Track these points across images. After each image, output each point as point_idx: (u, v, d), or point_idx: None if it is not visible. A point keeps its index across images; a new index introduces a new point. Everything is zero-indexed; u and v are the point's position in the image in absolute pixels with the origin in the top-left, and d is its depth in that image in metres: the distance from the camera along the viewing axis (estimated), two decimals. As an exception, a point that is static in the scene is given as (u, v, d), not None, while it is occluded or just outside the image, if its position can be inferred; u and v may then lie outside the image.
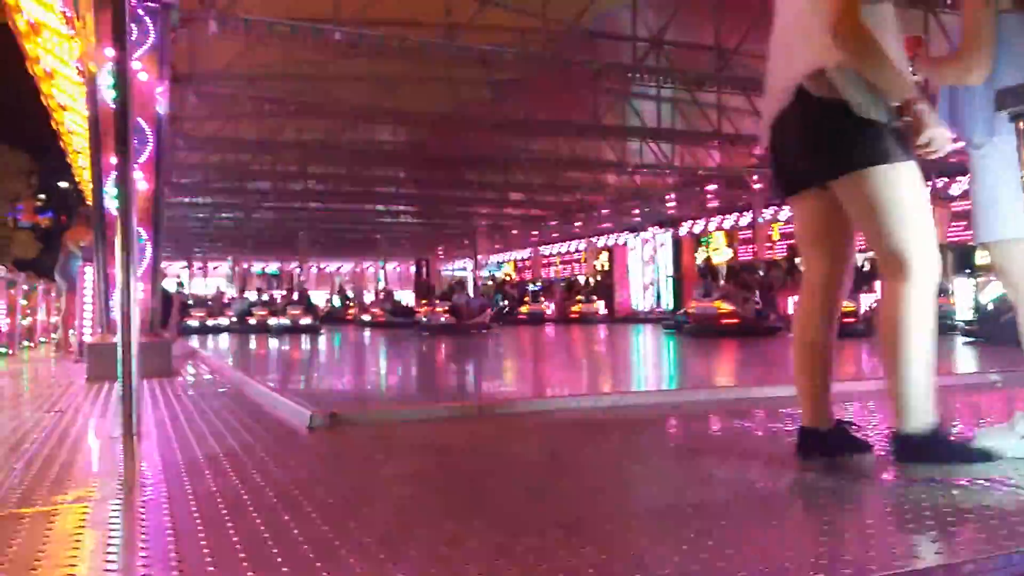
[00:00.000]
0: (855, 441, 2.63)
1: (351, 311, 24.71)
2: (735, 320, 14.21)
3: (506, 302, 26.04)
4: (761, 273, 19.12)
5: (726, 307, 14.57)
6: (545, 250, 35.08)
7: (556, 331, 19.05)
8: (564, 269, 34.55)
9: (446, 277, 38.10)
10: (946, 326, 10.46)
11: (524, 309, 24.65)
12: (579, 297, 25.82)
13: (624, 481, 2.76)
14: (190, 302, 21.57)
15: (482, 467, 3.03)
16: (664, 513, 2.27)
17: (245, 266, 34.96)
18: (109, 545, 2.04)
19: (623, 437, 3.63)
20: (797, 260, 18.07)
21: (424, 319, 17.88)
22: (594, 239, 30.10)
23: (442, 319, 17.30)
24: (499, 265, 39.66)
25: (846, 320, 13.34)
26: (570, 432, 3.78)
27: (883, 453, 2.66)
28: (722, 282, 16.50)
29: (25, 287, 11.62)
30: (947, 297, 12.06)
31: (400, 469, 2.96)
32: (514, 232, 32.94)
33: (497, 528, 2.11)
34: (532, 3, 10.02)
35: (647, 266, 27.10)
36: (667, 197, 23.78)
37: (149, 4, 6.95)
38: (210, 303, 22.31)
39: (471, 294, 20.30)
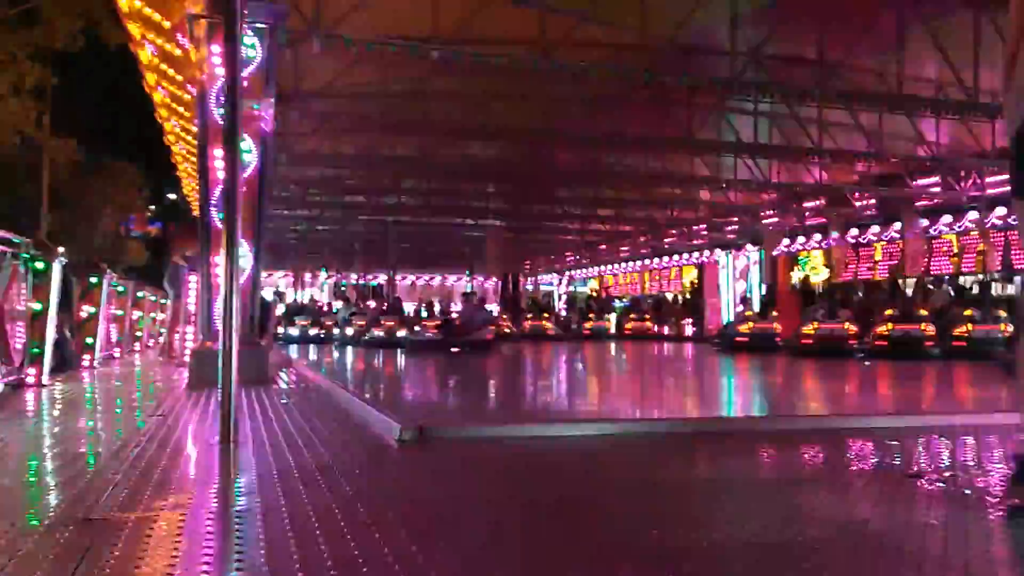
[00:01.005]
0: None
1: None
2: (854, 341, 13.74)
3: (570, 316, 25.52)
4: (860, 295, 18.29)
5: (853, 328, 13.95)
6: (636, 265, 34.60)
7: (600, 348, 18.11)
8: (653, 286, 33.99)
9: (532, 292, 38.14)
10: None
11: (588, 325, 24.35)
12: (632, 315, 25.35)
13: (730, 511, 2.62)
14: (281, 310, 20.80)
15: (573, 491, 2.94)
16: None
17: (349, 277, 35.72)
18: (205, 555, 2.07)
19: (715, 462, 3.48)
20: (900, 281, 17.27)
21: (409, 335, 16.07)
22: (686, 255, 29.50)
23: (427, 335, 15.21)
24: (585, 281, 39.40)
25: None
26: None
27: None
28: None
29: (135, 294, 12.24)
30: None
31: (487, 488, 2.91)
32: (602, 247, 32.68)
33: (585, 556, 2.03)
34: (629, 19, 9.92)
35: (737, 283, 26.36)
36: (762, 214, 23.11)
37: (258, 25, 7.22)
38: (306, 311, 21.98)
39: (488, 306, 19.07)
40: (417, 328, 15.92)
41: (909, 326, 13.51)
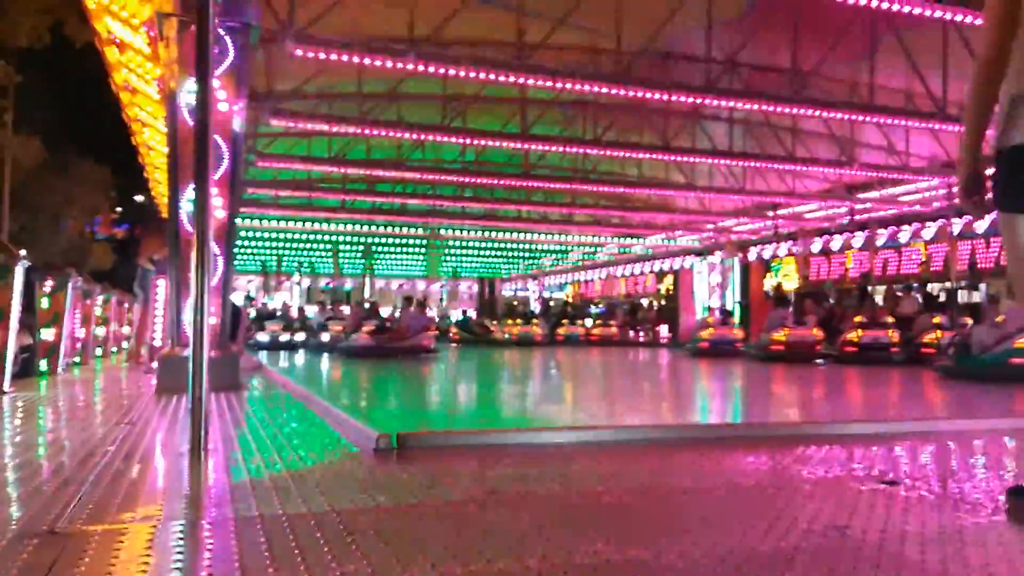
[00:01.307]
0: None
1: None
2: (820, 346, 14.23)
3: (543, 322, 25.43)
4: (831, 301, 18.54)
5: (820, 334, 14.40)
6: (616, 271, 34.78)
7: (566, 354, 17.99)
8: (629, 291, 34.17)
9: (508, 296, 38.12)
10: None
11: (562, 331, 24.37)
12: (598, 321, 25.49)
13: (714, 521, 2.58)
14: (251, 315, 19.60)
15: (543, 501, 2.88)
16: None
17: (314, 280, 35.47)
18: (174, 569, 2.00)
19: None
20: (869, 288, 17.55)
21: (343, 340, 15.74)
22: (661, 261, 29.71)
23: (361, 341, 14.94)
24: (562, 286, 39.50)
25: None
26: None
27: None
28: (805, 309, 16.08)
29: (100, 297, 11.98)
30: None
31: (460, 497, 2.85)
32: (576, 252, 32.80)
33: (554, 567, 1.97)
34: (606, 24, 9.95)
35: (712, 290, 26.60)
36: (736, 220, 23.35)
37: (230, 24, 7.09)
38: (278, 316, 20.80)
39: (427, 311, 17.85)
40: (354, 334, 15.55)
41: (877, 332, 13.78)
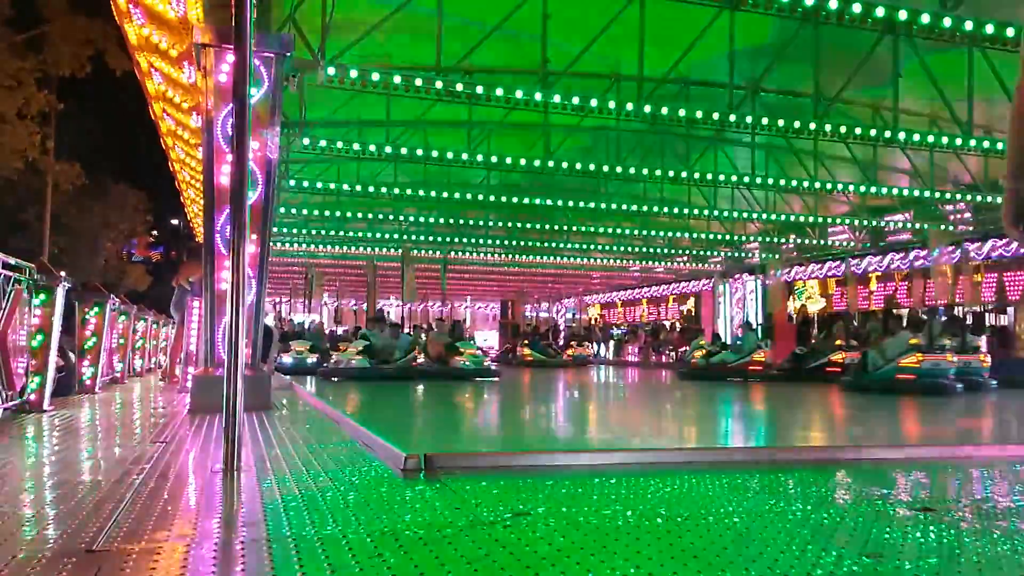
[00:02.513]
0: None
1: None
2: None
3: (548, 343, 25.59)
4: (855, 324, 18.41)
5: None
6: (634, 293, 34.77)
7: (576, 376, 17.67)
8: (652, 313, 34.10)
9: (533, 319, 38.15)
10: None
11: (570, 352, 24.63)
12: (572, 341, 26.39)
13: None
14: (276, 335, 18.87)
15: (571, 523, 2.94)
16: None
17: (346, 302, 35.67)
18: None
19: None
20: (894, 311, 17.39)
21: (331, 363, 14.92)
22: (683, 284, 29.65)
23: (353, 362, 14.26)
24: (585, 309, 39.50)
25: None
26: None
27: None
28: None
29: (137, 318, 12.26)
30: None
31: (489, 518, 2.91)
32: (599, 276, 32.79)
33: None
34: (628, 53, 10.08)
35: (734, 311, 26.53)
36: (755, 244, 23.27)
37: (265, 54, 7.34)
38: (306, 335, 19.11)
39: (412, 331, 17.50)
40: (336, 356, 15.06)
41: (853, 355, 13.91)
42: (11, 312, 5.96)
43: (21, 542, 2.53)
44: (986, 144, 11.84)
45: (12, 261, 5.94)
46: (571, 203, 16.85)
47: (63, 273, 6.99)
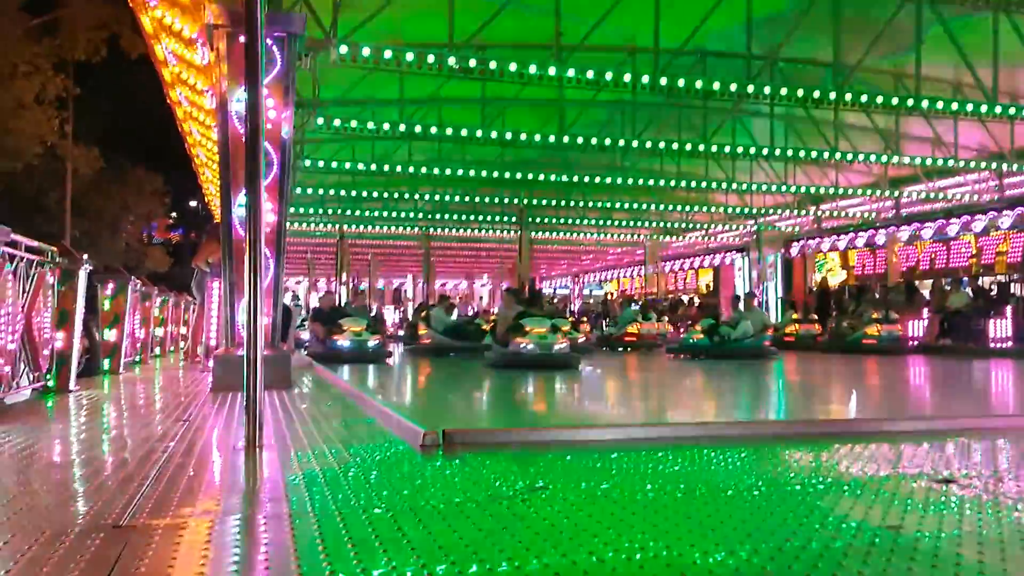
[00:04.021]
0: None
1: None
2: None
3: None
4: (876, 296, 18.25)
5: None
6: (651, 268, 34.50)
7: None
8: (670, 288, 33.91)
9: (550, 295, 38.10)
10: None
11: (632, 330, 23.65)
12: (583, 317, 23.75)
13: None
14: (302, 315, 17.10)
15: (588, 497, 2.96)
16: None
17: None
18: (232, 563, 2.10)
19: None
20: (916, 283, 17.25)
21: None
22: (701, 258, 29.45)
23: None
24: (601, 284, 39.38)
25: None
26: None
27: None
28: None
29: (158, 299, 12.39)
30: None
31: (507, 492, 2.94)
32: (617, 251, 32.63)
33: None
34: (643, 24, 9.95)
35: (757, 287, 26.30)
36: (778, 216, 23.05)
37: (277, 34, 7.31)
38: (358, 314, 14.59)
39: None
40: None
41: (890, 327, 14.91)
42: (35, 295, 6.05)
43: (50, 518, 2.59)
44: (1012, 111, 11.63)
45: (35, 244, 6.01)
46: (587, 179, 16.75)
47: (85, 256, 7.06)
